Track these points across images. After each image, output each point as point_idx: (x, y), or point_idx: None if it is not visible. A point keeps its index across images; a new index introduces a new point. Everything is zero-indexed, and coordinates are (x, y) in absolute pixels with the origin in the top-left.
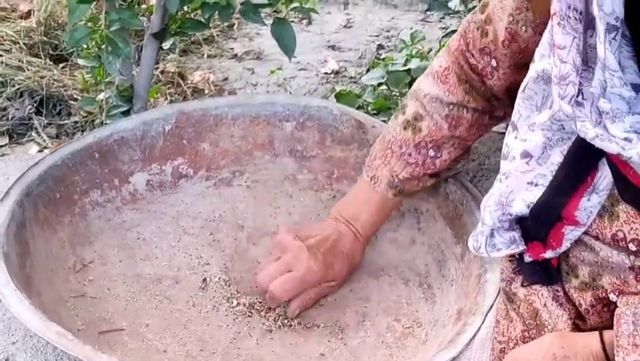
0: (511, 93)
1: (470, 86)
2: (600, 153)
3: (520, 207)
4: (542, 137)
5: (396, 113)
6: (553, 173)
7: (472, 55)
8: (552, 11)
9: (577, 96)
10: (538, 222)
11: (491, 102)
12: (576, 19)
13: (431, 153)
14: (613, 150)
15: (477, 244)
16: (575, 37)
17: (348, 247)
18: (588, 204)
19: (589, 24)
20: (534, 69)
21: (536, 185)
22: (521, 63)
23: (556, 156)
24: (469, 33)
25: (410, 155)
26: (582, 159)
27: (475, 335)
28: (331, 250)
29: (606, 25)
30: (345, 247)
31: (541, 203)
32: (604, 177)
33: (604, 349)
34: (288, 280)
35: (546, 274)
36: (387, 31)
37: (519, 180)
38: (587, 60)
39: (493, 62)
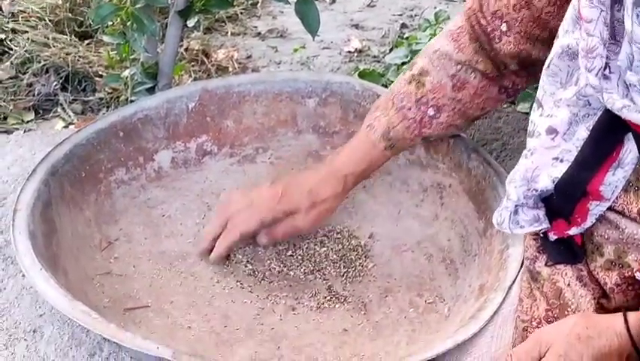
0: (520, 62)
1: (480, 46)
2: (626, 128)
3: (546, 182)
4: (568, 113)
5: (404, 69)
6: (579, 148)
7: (484, 16)
8: None
9: (604, 70)
10: (564, 198)
11: (499, 68)
12: None
13: (430, 112)
14: None
15: (500, 218)
16: (602, 11)
17: (313, 178)
18: (613, 179)
19: None
20: (558, 44)
21: (562, 161)
22: (533, 34)
23: (582, 132)
24: None
25: (410, 109)
26: (608, 134)
27: (496, 311)
28: (293, 182)
29: None
30: (309, 179)
31: (566, 178)
32: (629, 151)
33: (628, 330)
34: (244, 211)
35: (570, 253)
36: (411, 10)
37: (544, 156)
38: (615, 34)
39: (504, 26)
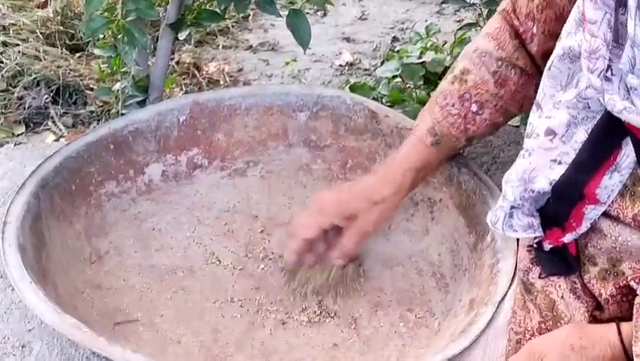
0: (547, 61)
1: (520, 42)
2: (624, 132)
3: (543, 184)
4: (567, 115)
5: (447, 73)
6: (577, 151)
7: (518, 18)
8: None
9: (606, 72)
10: (560, 201)
11: (536, 65)
12: None
13: (473, 108)
14: None
15: (495, 218)
16: (606, 13)
17: (370, 180)
18: (609, 183)
19: (621, 1)
20: (560, 46)
21: (559, 163)
22: (556, 31)
23: (581, 135)
24: None
25: (453, 105)
26: (606, 138)
27: (487, 326)
28: (351, 186)
29: (637, 2)
30: (367, 181)
31: (563, 180)
32: (627, 155)
33: (621, 340)
34: (305, 215)
35: (564, 264)
36: (402, 23)
37: (542, 158)
38: (618, 37)
39: (534, 28)
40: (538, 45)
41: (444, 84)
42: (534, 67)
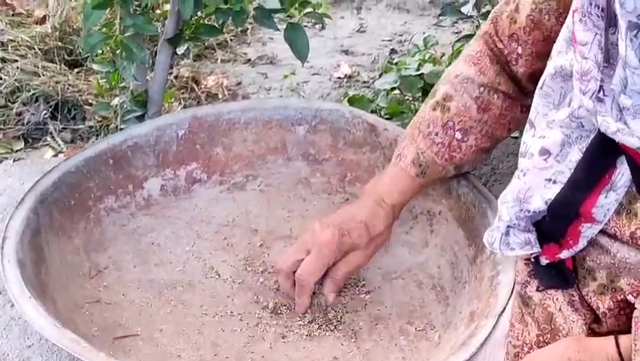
0: (536, 82)
1: (501, 68)
2: (618, 151)
3: (539, 203)
4: (561, 134)
5: (426, 99)
6: (572, 170)
7: (501, 40)
8: (573, 7)
9: (598, 92)
10: (556, 220)
11: (520, 88)
12: (598, 15)
13: (458, 135)
14: (634, 144)
15: (491, 239)
16: (596, 34)
17: (365, 213)
18: (605, 202)
19: (611, 21)
20: (552, 65)
21: (555, 182)
22: (545, 53)
23: (575, 154)
24: (499, 21)
25: (437, 134)
26: (601, 157)
27: (487, 338)
28: (347, 220)
29: (628, 22)
30: (362, 214)
31: (559, 200)
32: (622, 174)
33: (619, 353)
34: (308, 260)
35: (562, 278)
36: (400, 35)
37: (537, 177)
38: (609, 57)
39: (519, 49)
40: (525, 66)
41: (426, 111)
42: (517, 90)
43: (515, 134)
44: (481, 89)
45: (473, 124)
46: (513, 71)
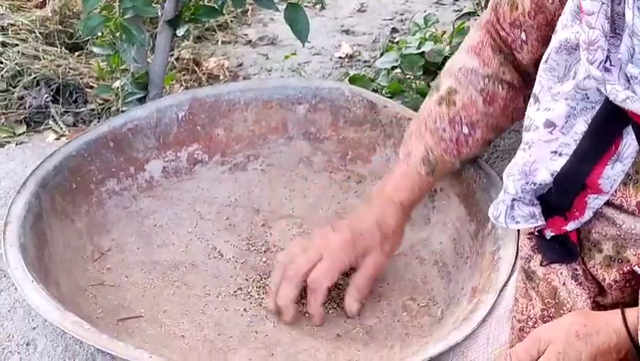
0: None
1: (505, 57)
2: (625, 122)
3: (544, 176)
4: (566, 106)
5: (430, 92)
6: (577, 142)
7: (503, 28)
8: None
9: (605, 62)
10: (563, 192)
11: (524, 77)
12: None
13: (465, 130)
14: None
15: (497, 212)
16: (603, 4)
17: (375, 213)
18: (612, 172)
19: None
20: (556, 39)
21: (560, 154)
22: (548, 36)
23: (581, 126)
24: (499, 8)
25: (444, 130)
26: (606, 128)
27: (489, 313)
28: (357, 222)
29: None
30: (372, 214)
31: (565, 172)
32: (628, 145)
33: (626, 326)
34: (320, 265)
35: (566, 251)
36: (401, 14)
37: (543, 150)
38: (615, 27)
39: (523, 35)
40: (530, 53)
41: (431, 105)
42: (521, 79)
43: None
44: (486, 80)
45: (480, 117)
46: (517, 59)
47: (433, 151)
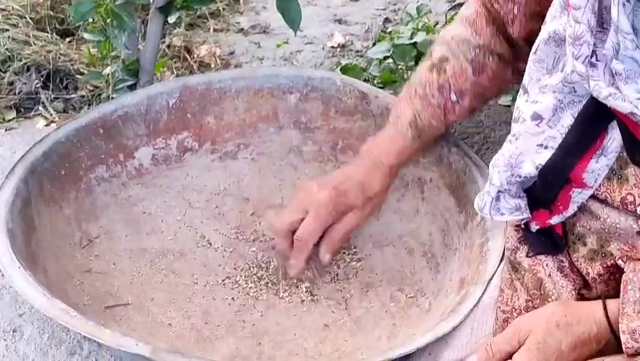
0: (530, 43)
1: (497, 29)
2: (610, 116)
3: (530, 168)
4: (553, 99)
5: (424, 58)
6: (563, 135)
7: (497, 1)
8: None
9: (590, 57)
10: (547, 185)
11: (515, 50)
12: None
13: (453, 97)
14: (626, 108)
15: (482, 203)
16: None
17: (361, 173)
18: (596, 167)
19: None
20: (545, 30)
21: (546, 147)
22: (537, 12)
23: (567, 119)
24: None
25: (433, 96)
26: (592, 122)
27: (476, 304)
28: (343, 180)
29: None
30: (358, 174)
31: (550, 165)
32: (613, 139)
33: (607, 316)
34: (306, 222)
35: (551, 243)
36: (394, 4)
37: (529, 142)
38: (602, 22)
39: (515, 9)
40: (519, 27)
41: (422, 72)
42: (512, 52)
43: (507, 102)
44: (477, 50)
45: (468, 86)
46: (508, 33)
47: (420, 115)
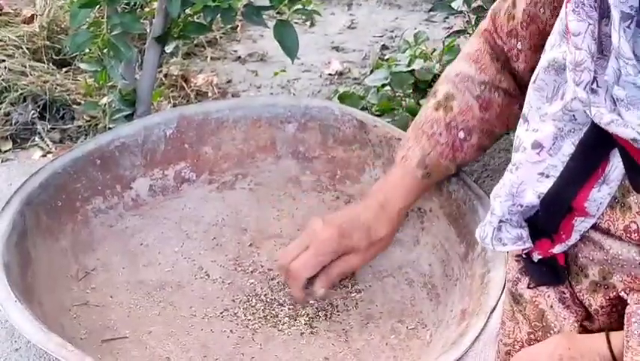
0: None
1: (501, 65)
2: (611, 144)
3: (531, 198)
4: (553, 127)
5: (427, 98)
6: (564, 164)
7: (500, 37)
8: None
9: (591, 84)
10: (549, 214)
11: (520, 85)
12: (591, 6)
13: (461, 135)
14: (628, 135)
15: (483, 234)
16: (589, 24)
17: (368, 216)
18: (598, 195)
19: (604, 12)
20: (545, 59)
21: (547, 176)
22: (540, 45)
23: (568, 147)
24: (497, 18)
25: (441, 134)
26: (593, 150)
27: (478, 336)
28: (349, 220)
29: (621, 13)
30: (365, 216)
31: (552, 194)
32: (615, 167)
33: (610, 350)
34: (304, 255)
35: (553, 274)
36: (391, 31)
37: (530, 171)
38: (602, 49)
39: (519, 45)
40: (525, 62)
41: (428, 111)
42: (517, 87)
43: None
44: (482, 87)
45: (476, 123)
46: (514, 68)
47: (429, 155)
